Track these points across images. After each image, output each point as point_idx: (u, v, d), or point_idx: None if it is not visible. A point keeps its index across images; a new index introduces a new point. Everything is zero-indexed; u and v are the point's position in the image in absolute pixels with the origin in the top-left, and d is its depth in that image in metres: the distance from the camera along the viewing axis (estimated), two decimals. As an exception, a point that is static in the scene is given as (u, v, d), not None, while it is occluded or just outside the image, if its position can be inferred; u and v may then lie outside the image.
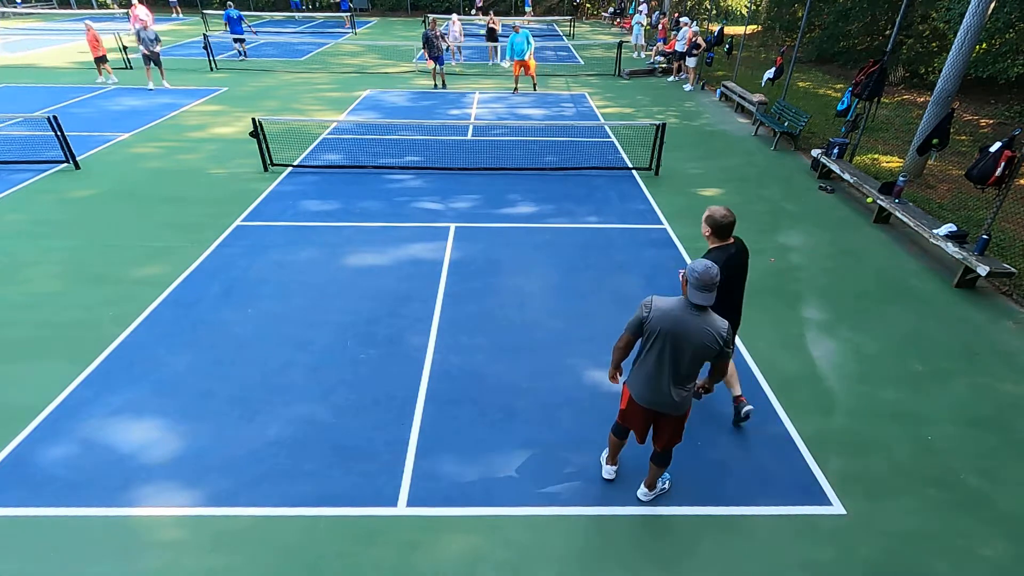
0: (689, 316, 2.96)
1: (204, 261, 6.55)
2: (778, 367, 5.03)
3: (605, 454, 3.94)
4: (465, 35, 20.69)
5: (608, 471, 3.87)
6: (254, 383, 4.72)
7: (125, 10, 27.31)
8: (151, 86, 14.56)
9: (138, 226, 7.35)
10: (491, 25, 18.07)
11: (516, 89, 15.22)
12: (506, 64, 17.92)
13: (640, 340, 3.20)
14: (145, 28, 14.08)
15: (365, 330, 5.40)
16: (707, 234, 3.77)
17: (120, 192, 8.39)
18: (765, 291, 6.16)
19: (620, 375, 3.53)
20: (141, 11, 16.70)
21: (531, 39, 14.46)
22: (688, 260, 6.75)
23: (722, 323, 2.98)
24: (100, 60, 14.69)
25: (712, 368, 3.18)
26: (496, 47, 18.22)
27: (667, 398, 3.20)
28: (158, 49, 14.14)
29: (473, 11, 31.15)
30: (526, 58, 14.51)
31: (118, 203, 8.03)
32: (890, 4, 16.36)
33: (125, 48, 17.04)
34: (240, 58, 18.56)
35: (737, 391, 4.36)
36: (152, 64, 14.33)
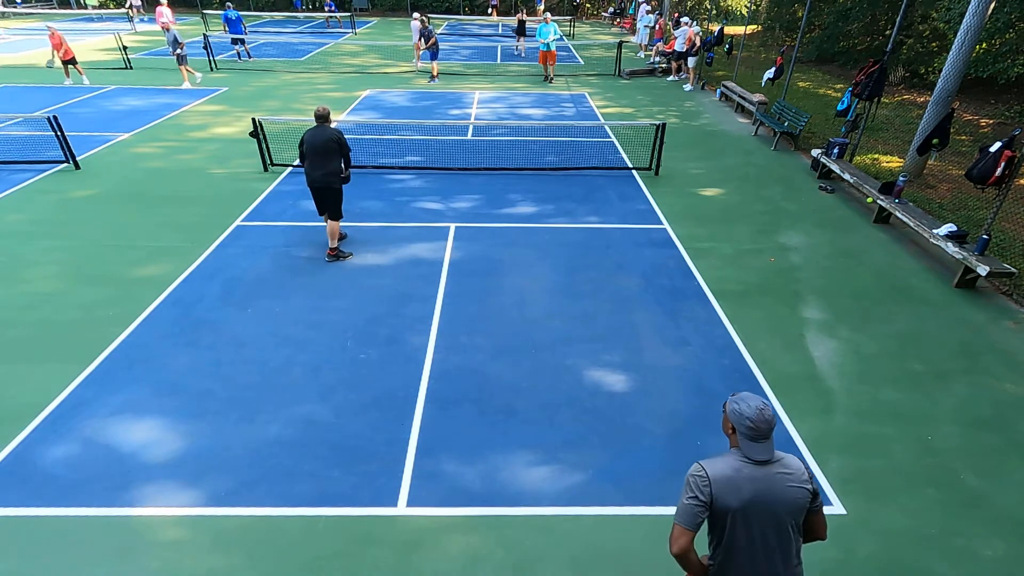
0: (761, 473, 2.14)
1: (204, 261, 6.55)
2: (778, 367, 5.03)
3: None
4: (439, 35, 21.82)
5: None
6: (254, 383, 4.72)
7: (125, 10, 27.27)
8: (184, 86, 14.95)
9: (138, 226, 7.35)
10: (521, 17, 19.89)
11: (547, 77, 16.40)
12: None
13: (708, 528, 2.29)
14: (167, 30, 14.53)
15: (365, 330, 5.40)
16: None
17: (120, 192, 8.39)
18: (765, 291, 6.16)
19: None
20: (166, 11, 17.54)
21: (557, 31, 15.81)
22: (688, 260, 6.74)
23: (795, 461, 2.21)
24: (69, 62, 14.54)
25: (812, 523, 2.26)
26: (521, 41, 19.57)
27: None
28: (179, 51, 14.60)
29: (490, 10, 31.19)
30: (552, 48, 15.82)
31: (118, 203, 8.03)
32: (890, 4, 16.36)
33: (125, 48, 17.02)
34: (242, 59, 18.41)
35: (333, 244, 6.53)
36: (180, 64, 14.90)
